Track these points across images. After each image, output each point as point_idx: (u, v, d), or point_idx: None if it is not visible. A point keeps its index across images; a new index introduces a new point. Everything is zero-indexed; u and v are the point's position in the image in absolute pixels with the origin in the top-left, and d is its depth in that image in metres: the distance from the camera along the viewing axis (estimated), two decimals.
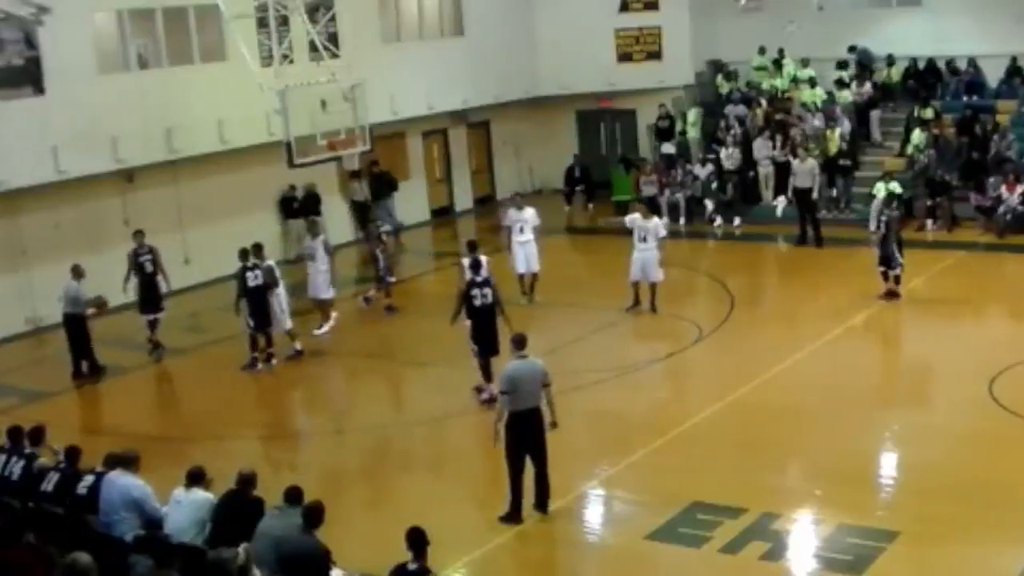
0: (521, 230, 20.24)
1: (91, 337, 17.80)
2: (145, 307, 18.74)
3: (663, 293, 19.32)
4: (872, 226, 19.16)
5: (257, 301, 17.38)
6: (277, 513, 9.60)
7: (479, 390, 15.44)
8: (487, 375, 15.13)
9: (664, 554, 11.29)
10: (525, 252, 20.16)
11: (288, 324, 17.95)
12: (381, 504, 13.14)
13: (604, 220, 22.10)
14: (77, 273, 17.59)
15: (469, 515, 12.31)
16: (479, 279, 15.29)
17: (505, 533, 11.71)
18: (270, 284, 17.50)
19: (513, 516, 11.80)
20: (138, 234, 18.93)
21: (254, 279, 17.38)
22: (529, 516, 11.95)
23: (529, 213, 20.38)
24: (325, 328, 19.03)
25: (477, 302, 15.18)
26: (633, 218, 19.30)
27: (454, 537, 11.28)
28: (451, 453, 14.53)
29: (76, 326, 17.64)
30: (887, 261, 19.04)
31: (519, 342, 12.02)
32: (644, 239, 18.91)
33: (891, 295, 19.07)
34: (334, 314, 19.24)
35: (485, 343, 15.27)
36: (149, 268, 18.75)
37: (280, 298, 17.81)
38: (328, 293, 19.12)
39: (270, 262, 17.85)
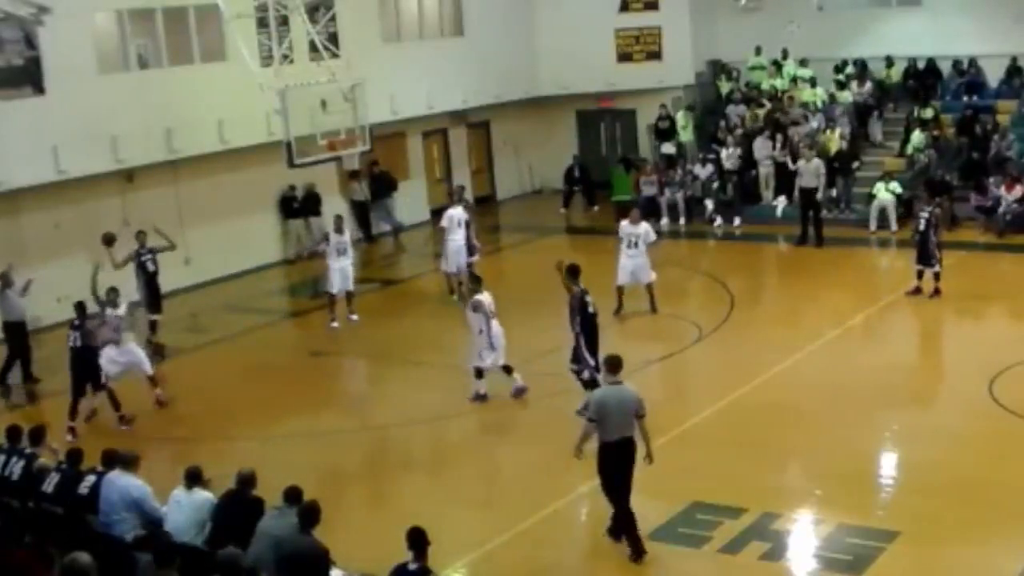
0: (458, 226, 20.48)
1: (31, 348, 17.70)
2: (149, 308, 18.79)
3: (663, 293, 19.31)
4: (920, 226, 19.15)
5: (78, 364, 15.19)
6: (276, 513, 9.60)
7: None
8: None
9: (664, 554, 11.28)
10: (454, 249, 20.42)
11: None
12: (381, 504, 13.16)
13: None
14: (6, 281, 17.45)
15: (469, 515, 12.30)
16: (581, 287, 14.53)
17: (505, 533, 11.71)
18: (107, 340, 15.41)
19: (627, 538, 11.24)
20: (140, 235, 18.91)
21: (73, 340, 15.20)
22: (530, 517, 11.96)
23: (456, 211, 20.66)
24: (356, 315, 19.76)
25: (591, 309, 14.45)
26: (623, 225, 19.10)
27: (454, 537, 11.28)
28: (451, 453, 14.53)
29: (16, 334, 17.54)
30: (927, 259, 18.97)
31: (615, 365, 11.11)
32: (635, 244, 18.72)
33: (918, 291, 19.09)
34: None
35: (596, 352, 14.22)
36: (151, 268, 18.77)
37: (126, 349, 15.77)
38: (352, 284, 19.75)
39: (120, 310, 15.72)
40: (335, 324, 19.49)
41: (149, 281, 18.77)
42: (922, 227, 19.06)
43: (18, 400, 17.26)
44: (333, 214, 21.03)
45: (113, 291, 15.94)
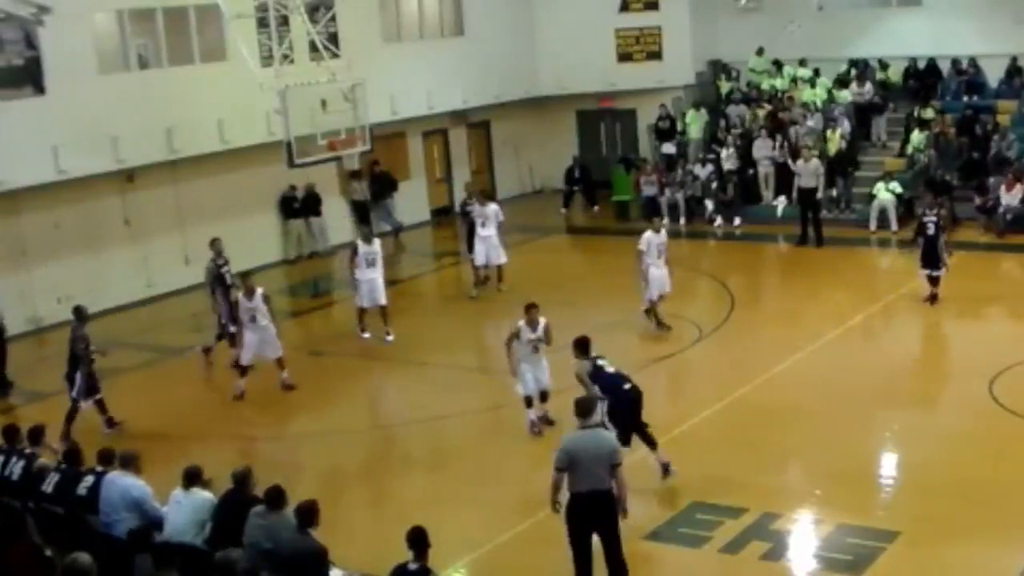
0: (483, 224, 20.80)
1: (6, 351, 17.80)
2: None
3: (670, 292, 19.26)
4: (888, 225, 19.02)
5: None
6: (262, 523, 9.44)
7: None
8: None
9: (664, 554, 11.29)
10: (487, 246, 20.77)
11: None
12: (381, 504, 13.16)
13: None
14: None
15: (469, 515, 12.30)
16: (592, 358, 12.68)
17: (505, 533, 11.71)
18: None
19: None
20: (215, 242, 17.92)
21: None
22: (530, 517, 11.95)
23: (492, 209, 21.06)
24: (392, 336, 18.59)
25: (627, 385, 12.51)
26: (648, 237, 17.90)
27: (454, 537, 11.29)
28: (451, 453, 14.53)
29: None
30: (935, 262, 18.68)
31: (584, 410, 10.06)
32: (663, 254, 17.94)
33: (935, 298, 18.76)
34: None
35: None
36: (229, 280, 17.52)
37: None
38: (385, 299, 18.65)
39: (257, 299, 16.21)
40: (366, 335, 18.65)
41: (227, 292, 17.45)
42: (931, 231, 18.73)
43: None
44: (360, 228, 20.47)
45: (247, 276, 16.84)
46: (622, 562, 10.06)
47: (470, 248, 21.34)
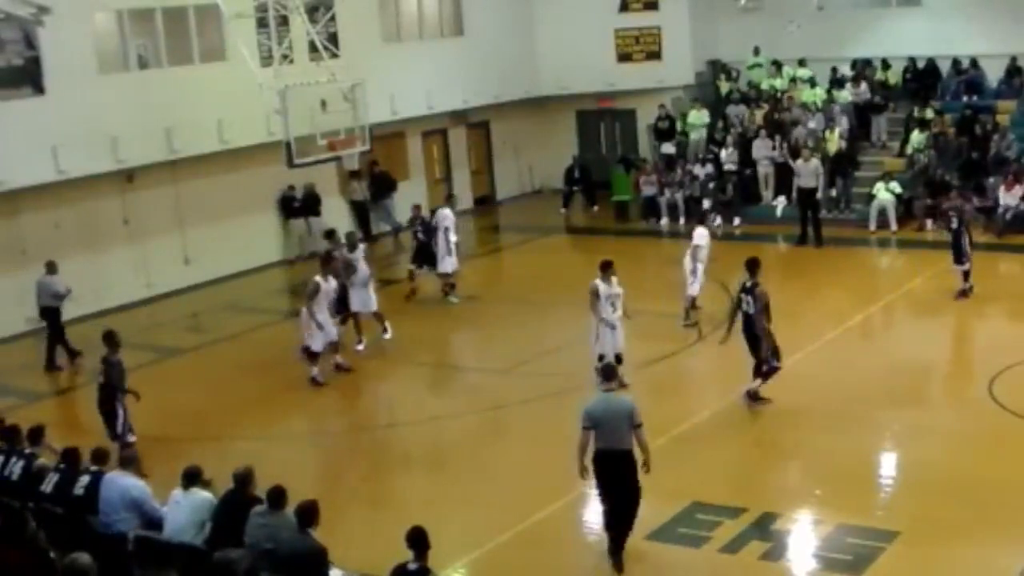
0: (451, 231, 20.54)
1: (63, 327, 18.52)
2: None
3: (664, 292, 19.27)
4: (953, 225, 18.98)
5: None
6: (263, 523, 9.48)
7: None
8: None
9: (664, 554, 11.28)
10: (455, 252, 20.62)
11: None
12: (381, 504, 13.16)
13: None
14: (52, 269, 18.41)
15: (469, 515, 12.30)
16: (749, 284, 14.76)
17: (505, 533, 11.71)
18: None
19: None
20: (332, 233, 18.59)
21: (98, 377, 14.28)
22: (530, 517, 11.96)
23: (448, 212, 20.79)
24: (390, 332, 18.47)
25: (743, 306, 14.73)
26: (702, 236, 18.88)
27: (454, 537, 11.28)
28: (451, 453, 14.54)
29: (52, 317, 18.40)
30: (958, 257, 18.76)
31: (608, 373, 11.22)
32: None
33: (963, 294, 18.83)
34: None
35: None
36: (359, 266, 18.06)
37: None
38: (376, 304, 18.33)
39: (332, 283, 16.77)
40: (360, 347, 18.24)
41: (342, 288, 17.76)
42: (955, 225, 18.82)
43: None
44: (345, 231, 19.77)
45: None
46: (631, 519, 10.88)
47: (429, 261, 20.69)
